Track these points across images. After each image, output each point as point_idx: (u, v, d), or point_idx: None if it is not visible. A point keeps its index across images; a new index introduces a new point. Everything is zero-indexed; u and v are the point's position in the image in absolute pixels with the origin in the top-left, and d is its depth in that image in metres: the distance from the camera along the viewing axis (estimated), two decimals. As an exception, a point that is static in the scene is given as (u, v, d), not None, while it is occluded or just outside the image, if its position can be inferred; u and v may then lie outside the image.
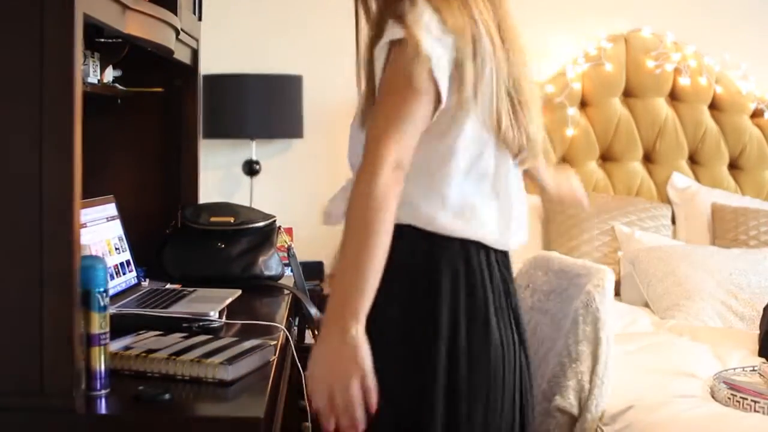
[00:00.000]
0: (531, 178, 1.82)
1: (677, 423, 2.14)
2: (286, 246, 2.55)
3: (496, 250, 1.58)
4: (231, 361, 1.54)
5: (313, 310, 2.28)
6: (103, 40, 2.08)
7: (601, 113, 3.82)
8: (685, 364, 2.56)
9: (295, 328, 2.58)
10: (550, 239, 3.55)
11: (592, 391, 2.22)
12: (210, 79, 3.52)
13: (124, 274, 2.14)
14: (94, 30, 1.88)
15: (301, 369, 1.87)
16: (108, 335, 1.48)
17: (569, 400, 2.22)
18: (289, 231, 2.59)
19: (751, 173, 3.90)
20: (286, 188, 3.78)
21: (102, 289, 1.45)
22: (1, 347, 1.39)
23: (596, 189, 3.81)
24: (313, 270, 3.56)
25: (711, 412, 2.19)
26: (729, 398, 2.22)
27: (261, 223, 2.53)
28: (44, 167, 1.36)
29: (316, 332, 2.33)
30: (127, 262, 2.18)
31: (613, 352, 2.24)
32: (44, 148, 1.36)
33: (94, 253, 1.97)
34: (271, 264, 2.46)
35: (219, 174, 3.81)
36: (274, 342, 1.74)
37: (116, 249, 2.13)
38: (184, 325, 1.87)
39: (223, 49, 3.58)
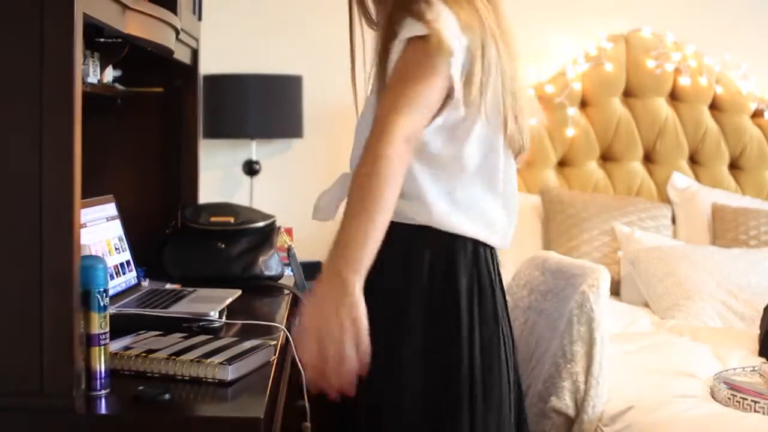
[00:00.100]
0: None
1: (677, 423, 2.14)
2: (286, 246, 2.55)
3: (494, 249, 1.62)
4: (231, 361, 1.54)
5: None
6: (103, 40, 2.08)
7: (601, 113, 3.82)
8: (685, 364, 2.56)
9: (295, 328, 2.58)
10: (550, 239, 3.55)
11: (588, 391, 2.22)
12: (210, 79, 3.53)
13: (124, 274, 2.14)
14: (94, 30, 1.88)
15: (301, 369, 1.87)
16: (108, 335, 1.48)
17: (565, 401, 2.22)
18: (289, 231, 2.59)
19: (752, 173, 3.90)
20: (286, 188, 3.78)
21: (102, 289, 1.45)
22: (1, 347, 1.38)
23: (596, 189, 3.81)
24: (313, 270, 3.53)
25: (711, 412, 2.19)
26: (729, 398, 2.22)
27: (261, 223, 2.53)
28: (44, 167, 1.36)
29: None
30: (127, 262, 2.18)
31: (608, 352, 2.24)
32: (44, 148, 1.36)
33: (94, 253, 1.97)
34: (271, 264, 2.46)
35: (219, 174, 3.81)
36: (274, 342, 1.74)
37: (116, 249, 2.13)
38: (184, 325, 1.87)
39: (223, 49, 3.58)
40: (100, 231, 2.08)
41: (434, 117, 1.48)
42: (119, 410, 1.43)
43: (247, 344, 1.67)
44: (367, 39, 1.68)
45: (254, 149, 3.71)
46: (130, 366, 1.57)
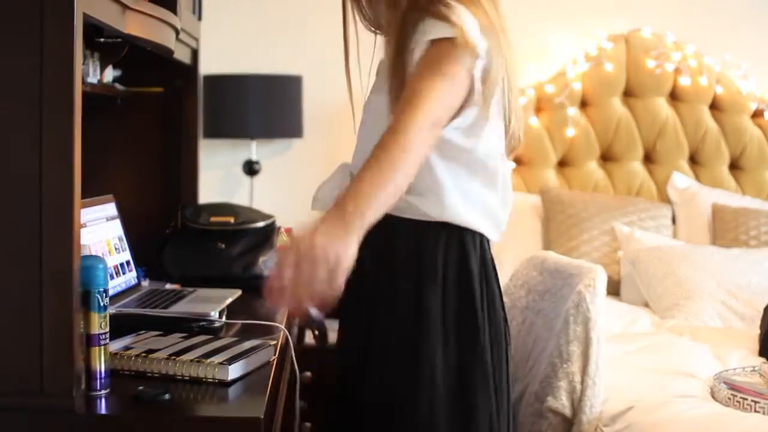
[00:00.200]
0: None
1: (677, 423, 2.14)
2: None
3: (490, 242, 1.68)
4: (231, 361, 1.55)
5: (313, 310, 2.27)
6: (103, 40, 2.08)
7: (601, 113, 3.82)
8: (685, 364, 2.56)
9: (296, 328, 2.58)
10: (550, 239, 3.55)
11: (585, 391, 2.21)
12: (210, 79, 3.53)
13: (124, 274, 2.14)
14: (94, 30, 1.88)
15: (297, 369, 1.87)
16: (108, 335, 1.48)
17: (561, 401, 2.22)
18: (289, 231, 2.58)
19: (752, 173, 3.90)
20: (286, 188, 3.78)
21: (102, 289, 1.45)
22: (1, 347, 1.39)
23: (596, 189, 3.81)
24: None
25: (711, 412, 2.19)
26: (729, 398, 2.22)
27: (261, 223, 2.53)
28: (44, 167, 1.36)
29: (316, 332, 2.34)
30: (127, 262, 2.18)
31: (604, 352, 2.24)
32: (44, 148, 1.36)
33: (94, 253, 1.97)
34: (271, 264, 2.46)
35: (219, 174, 3.81)
36: (274, 342, 1.74)
37: (116, 249, 2.13)
38: (185, 325, 1.87)
39: (223, 49, 3.58)
40: (100, 231, 2.08)
41: (454, 117, 1.52)
42: (119, 410, 1.43)
43: (247, 344, 1.67)
44: (363, 39, 1.69)
45: (254, 149, 3.71)
46: (130, 366, 1.57)
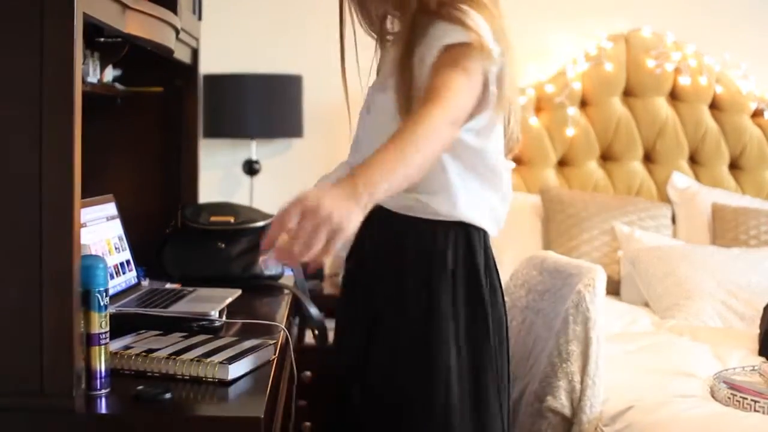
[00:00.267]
0: None
1: (677, 423, 2.14)
2: (286, 246, 2.55)
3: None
4: (231, 360, 1.55)
5: (313, 310, 2.28)
6: (103, 39, 2.08)
7: (601, 113, 3.82)
8: (685, 364, 2.56)
9: (296, 327, 2.58)
10: (550, 239, 3.55)
11: (584, 391, 2.21)
12: (210, 79, 3.53)
13: (124, 273, 2.14)
14: (94, 29, 1.88)
15: (295, 369, 1.87)
16: (108, 335, 1.48)
17: (561, 401, 2.22)
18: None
19: (752, 173, 3.90)
20: (286, 188, 3.76)
21: (102, 289, 1.45)
22: (1, 347, 1.39)
23: (596, 189, 3.81)
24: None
25: (711, 412, 2.19)
26: (729, 398, 2.22)
27: (261, 223, 2.53)
28: (44, 167, 1.36)
29: (316, 332, 2.34)
30: (127, 261, 2.18)
31: (604, 352, 2.24)
32: (44, 148, 1.36)
33: (94, 253, 1.97)
34: (271, 264, 2.46)
35: (219, 174, 3.81)
36: (274, 342, 1.74)
37: (116, 249, 2.13)
38: (184, 324, 1.87)
39: (223, 49, 3.58)
40: (100, 231, 2.08)
41: (468, 119, 1.54)
42: (119, 410, 1.43)
43: (247, 344, 1.67)
44: (362, 39, 1.70)
45: (254, 149, 3.71)
46: (130, 366, 1.57)
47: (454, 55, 1.49)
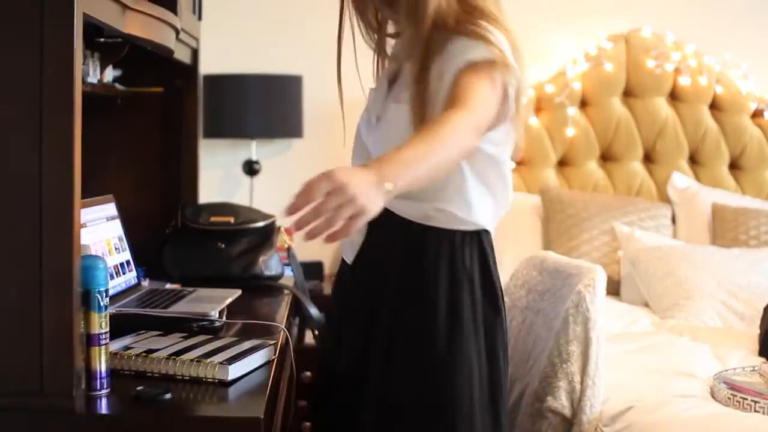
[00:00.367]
0: None
1: (677, 423, 2.14)
2: (286, 246, 2.55)
3: None
4: (231, 361, 1.55)
5: (313, 310, 2.28)
6: (103, 39, 2.08)
7: (601, 113, 3.82)
8: (685, 364, 2.56)
9: (296, 328, 2.58)
10: (550, 239, 3.55)
11: (584, 391, 2.21)
12: (210, 79, 3.53)
13: (124, 274, 2.14)
14: (94, 30, 1.88)
15: (295, 369, 1.87)
16: (108, 335, 1.48)
17: (561, 401, 2.22)
18: (289, 231, 2.58)
19: (752, 173, 3.90)
20: (286, 188, 3.76)
21: (102, 289, 1.45)
22: (1, 347, 1.39)
23: (596, 189, 3.81)
24: (313, 270, 3.56)
25: (711, 412, 2.19)
26: (729, 398, 2.22)
27: (261, 223, 2.53)
28: (44, 167, 1.36)
29: (316, 332, 2.34)
30: (127, 262, 2.18)
31: (604, 352, 2.24)
32: (44, 148, 1.36)
33: (94, 253, 1.97)
34: (271, 264, 2.47)
35: (219, 174, 3.81)
36: (274, 342, 1.74)
37: (116, 249, 2.13)
38: (185, 325, 1.87)
39: (223, 49, 3.58)
40: (100, 231, 2.08)
41: (487, 130, 1.56)
42: (119, 410, 1.43)
43: (247, 344, 1.67)
44: (360, 43, 1.69)
45: (254, 149, 3.71)
46: (130, 366, 1.57)
47: (477, 69, 1.51)
